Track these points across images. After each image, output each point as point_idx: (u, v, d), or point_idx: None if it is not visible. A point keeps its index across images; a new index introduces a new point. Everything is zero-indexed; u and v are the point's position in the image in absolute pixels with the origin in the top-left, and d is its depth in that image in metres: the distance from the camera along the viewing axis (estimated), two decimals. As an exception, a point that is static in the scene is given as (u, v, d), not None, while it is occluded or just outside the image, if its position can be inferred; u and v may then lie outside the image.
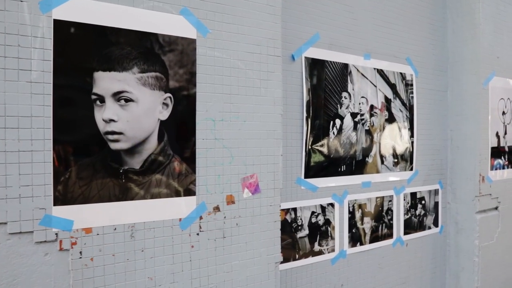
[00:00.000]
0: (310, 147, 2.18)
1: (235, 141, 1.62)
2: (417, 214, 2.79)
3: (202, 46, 1.56)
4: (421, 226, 2.82)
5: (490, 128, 2.91)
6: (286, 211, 2.11)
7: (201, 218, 1.55)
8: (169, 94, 1.49)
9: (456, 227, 2.98)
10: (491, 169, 2.94)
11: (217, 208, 1.58)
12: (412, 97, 2.73)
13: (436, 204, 2.94)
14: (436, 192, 2.92)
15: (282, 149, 1.75)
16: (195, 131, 1.53)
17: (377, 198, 2.52)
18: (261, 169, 1.69)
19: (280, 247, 1.76)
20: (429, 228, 2.88)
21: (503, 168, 3.06)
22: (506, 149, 3.08)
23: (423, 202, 2.83)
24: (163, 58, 1.48)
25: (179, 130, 1.50)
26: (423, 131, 2.80)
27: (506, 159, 3.10)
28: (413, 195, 2.75)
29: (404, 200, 2.69)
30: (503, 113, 3.03)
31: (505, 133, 3.06)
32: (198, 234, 1.54)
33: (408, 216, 2.72)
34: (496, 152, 2.99)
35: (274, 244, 1.73)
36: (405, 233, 2.71)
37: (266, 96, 1.70)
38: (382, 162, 2.54)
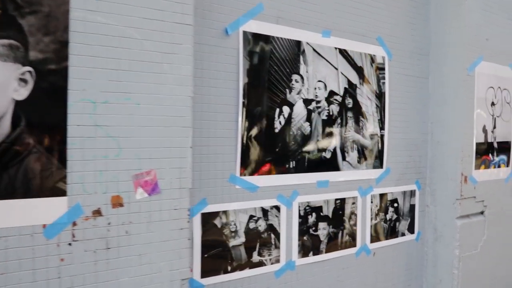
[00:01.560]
0: (247, 139, 1.88)
1: (124, 129, 1.33)
2: (387, 218, 2.48)
3: (79, 8, 1.26)
4: (392, 233, 2.52)
5: (475, 121, 2.59)
6: (215, 214, 1.82)
7: (74, 224, 1.27)
8: (28, 68, 1.20)
9: (434, 234, 2.68)
10: (476, 168, 2.62)
11: (98, 212, 1.29)
12: (384, 83, 2.41)
13: (412, 207, 2.63)
14: (412, 193, 2.62)
15: (192, 140, 1.46)
16: (67, 115, 1.25)
17: (336, 200, 2.23)
18: (161, 164, 1.41)
19: (188, 260, 1.47)
20: (403, 234, 2.58)
21: (491, 167, 2.74)
22: (495, 145, 2.76)
23: (395, 205, 2.52)
24: (20, 21, 1.20)
25: (43, 114, 1.22)
26: (397, 123, 2.49)
27: (495, 157, 2.77)
28: (383, 196, 2.45)
29: (372, 202, 2.39)
30: (492, 104, 2.71)
31: (494, 127, 2.74)
32: (70, 244, 1.26)
33: (376, 221, 2.42)
34: (483, 148, 2.67)
35: (180, 256, 1.45)
36: (373, 240, 2.41)
37: (170, 74, 1.41)
38: (344, 158, 2.24)
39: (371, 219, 2.40)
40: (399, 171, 2.52)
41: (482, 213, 2.73)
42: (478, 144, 2.62)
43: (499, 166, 2.79)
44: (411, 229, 2.63)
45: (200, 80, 1.70)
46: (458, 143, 2.54)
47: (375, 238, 2.42)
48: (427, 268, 2.72)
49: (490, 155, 2.74)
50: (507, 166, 2.88)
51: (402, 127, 2.52)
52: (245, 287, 1.92)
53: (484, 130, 2.68)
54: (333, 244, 2.23)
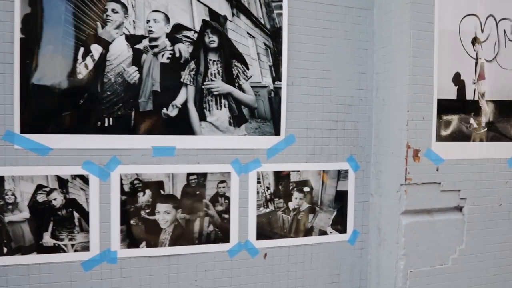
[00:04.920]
0: (32, 86, 1.54)
1: None
2: (291, 208, 1.88)
3: None
4: (301, 229, 1.90)
5: (437, 65, 1.82)
6: (-25, 180, 1.52)
7: None
8: None
9: (378, 237, 1.97)
10: (441, 139, 1.85)
11: None
12: (280, 14, 1.83)
13: (342, 195, 1.96)
14: (343, 175, 1.95)
15: None
16: None
17: (190, 175, 1.74)
18: None
19: None
20: (324, 233, 1.94)
21: (473, 139, 1.91)
22: (483, 105, 1.92)
23: (306, 189, 1.90)
24: None
25: None
26: (309, 72, 1.89)
27: (481, 124, 1.93)
28: (283, 176, 1.86)
29: (260, 183, 1.83)
30: (475, 40, 1.89)
31: (479, 76, 1.91)
32: None
33: (268, 210, 1.85)
34: (457, 108, 1.88)
35: None
36: (263, 237, 1.85)
37: None
38: (203, 118, 1.74)
39: (260, 206, 1.83)
40: (313, 142, 1.89)
41: (459, 209, 1.92)
42: (445, 102, 1.84)
43: (489, 139, 1.93)
44: (342, 227, 1.97)
45: None
46: (402, 99, 1.81)
47: (269, 233, 1.84)
48: (370, 284, 2.01)
49: (472, 120, 1.91)
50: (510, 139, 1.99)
51: (318, 78, 1.89)
52: (34, 277, 1.57)
53: (458, 81, 1.87)
54: (186, 235, 1.74)
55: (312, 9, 1.87)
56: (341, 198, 1.96)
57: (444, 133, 1.85)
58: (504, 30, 1.95)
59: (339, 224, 1.97)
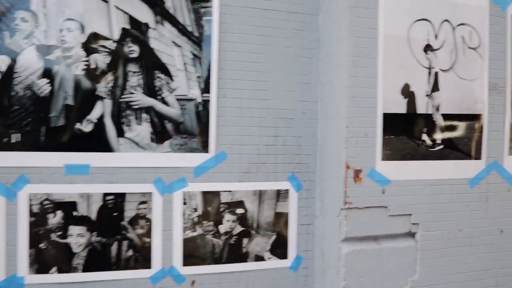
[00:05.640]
0: None
1: None
2: (221, 231, 1.74)
3: None
4: (236, 254, 1.76)
5: (381, 75, 1.66)
6: None
7: None
8: None
9: (322, 263, 1.81)
10: (388, 158, 1.68)
11: None
12: (210, 21, 1.71)
13: (281, 216, 1.82)
14: (283, 195, 1.81)
15: None
16: None
17: (106, 196, 1.63)
18: None
19: None
20: (260, 258, 1.79)
21: (424, 157, 1.74)
22: (438, 119, 1.75)
23: (239, 211, 1.76)
24: None
25: None
26: (244, 84, 1.76)
27: (436, 140, 1.75)
28: (212, 197, 1.73)
29: (186, 204, 1.70)
30: (428, 47, 1.72)
31: (434, 87, 1.73)
32: None
33: (196, 233, 1.72)
34: (406, 123, 1.71)
35: None
36: (192, 262, 1.71)
37: None
38: (122, 134, 1.63)
39: (186, 229, 1.70)
40: (248, 159, 1.75)
41: (411, 234, 1.74)
42: (392, 117, 1.67)
43: (446, 158, 1.75)
44: (282, 252, 1.81)
45: None
46: (342, 114, 1.66)
47: (197, 259, 1.71)
48: (314, 317, 1.85)
49: (425, 136, 1.73)
50: (475, 157, 1.80)
51: (254, 89, 1.76)
52: None
53: (407, 92, 1.70)
54: (102, 260, 1.62)
55: (247, 14, 1.74)
56: (281, 220, 1.81)
57: (391, 151, 1.68)
58: (463, 36, 1.77)
59: (279, 249, 1.81)
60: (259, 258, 1.80)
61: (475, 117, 1.81)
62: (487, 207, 1.84)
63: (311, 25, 1.84)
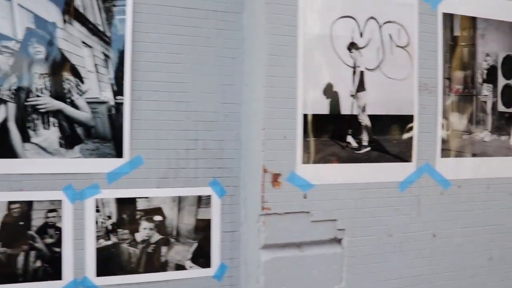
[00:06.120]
0: None
1: None
2: (137, 239, 1.67)
3: None
4: (154, 263, 1.69)
5: (302, 75, 1.59)
6: None
7: None
8: None
9: (246, 271, 1.74)
10: (310, 160, 1.61)
11: None
12: (123, 20, 1.64)
13: (203, 224, 1.74)
14: (204, 201, 1.73)
15: None
16: None
17: (11, 204, 1.55)
18: None
19: None
20: (181, 267, 1.72)
21: (349, 160, 1.67)
22: (364, 120, 1.68)
23: (157, 218, 1.69)
24: None
25: None
26: (161, 85, 1.69)
27: (363, 142, 1.69)
28: (128, 204, 1.65)
29: (99, 212, 1.62)
30: (352, 46, 1.66)
31: (359, 87, 1.67)
32: None
33: (110, 242, 1.64)
34: (329, 124, 1.64)
35: None
36: (106, 272, 1.64)
37: None
38: (27, 139, 1.55)
39: (99, 238, 1.62)
40: (166, 164, 1.68)
41: (337, 240, 1.67)
42: (314, 118, 1.61)
43: (374, 160, 1.69)
44: (204, 261, 1.74)
45: None
46: (259, 115, 1.59)
47: (112, 269, 1.63)
48: (240, 328, 1.78)
49: (350, 138, 1.67)
50: (405, 159, 1.74)
51: (171, 92, 1.69)
52: None
53: (331, 93, 1.64)
54: (7, 272, 1.55)
55: (164, 13, 1.67)
56: (203, 227, 1.74)
57: (313, 154, 1.62)
58: (390, 35, 1.71)
59: (202, 258, 1.74)
60: (180, 267, 1.72)
61: (405, 118, 1.75)
62: (419, 211, 1.78)
63: (235, 24, 1.77)
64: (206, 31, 1.73)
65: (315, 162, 1.62)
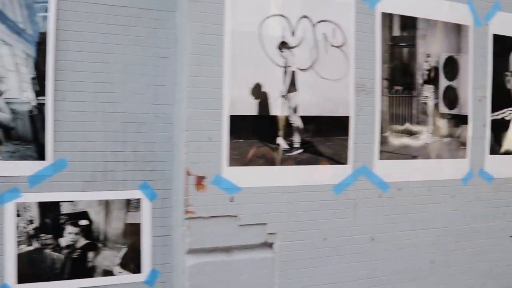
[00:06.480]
0: None
1: None
2: (61, 245, 1.62)
3: None
4: (80, 269, 1.63)
5: (228, 75, 1.55)
6: None
7: None
8: None
9: (177, 278, 1.69)
10: (237, 163, 1.57)
11: None
12: (45, 17, 1.59)
13: (133, 228, 1.69)
14: (134, 205, 1.68)
15: None
16: None
17: None
18: None
19: None
20: (109, 273, 1.66)
21: (280, 162, 1.63)
22: (296, 121, 1.64)
23: (82, 223, 1.64)
24: None
25: None
26: (87, 86, 1.64)
27: (294, 144, 1.65)
28: (51, 208, 1.60)
29: (20, 216, 1.57)
30: (283, 45, 1.62)
31: (291, 88, 1.63)
32: None
33: (32, 247, 1.58)
34: (258, 126, 1.60)
35: None
36: (28, 279, 1.58)
37: None
38: None
39: (20, 243, 1.57)
40: (92, 167, 1.63)
41: (268, 245, 1.63)
42: (241, 119, 1.56)
43: (306, 163, 1.65)
44: (134, 266, 1.69)
45: None
46: (182, 117, 1.54)
47: (35, 275, 1.58)
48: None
49: (280, 140, 1.62)
50: (341, 162, 1.70)
51: (98, 92, 1.64)
52: None
53: (259, 94, 1.60)
54: None
55: (90, 11, 1.62)
56: (132, 232, 1.69)
57: (241, 156, 1.58)
58: (324, 34, 1.67)
59: (132, 263, 1.69)
60: (108, 273, 1.67)
61: (340, 119, 1.72)
62: (355, 214, 1.74)
63: (167, 23, 1.73)
64: (137, 30, 1.69)
65: (243, 164, 1.58)
